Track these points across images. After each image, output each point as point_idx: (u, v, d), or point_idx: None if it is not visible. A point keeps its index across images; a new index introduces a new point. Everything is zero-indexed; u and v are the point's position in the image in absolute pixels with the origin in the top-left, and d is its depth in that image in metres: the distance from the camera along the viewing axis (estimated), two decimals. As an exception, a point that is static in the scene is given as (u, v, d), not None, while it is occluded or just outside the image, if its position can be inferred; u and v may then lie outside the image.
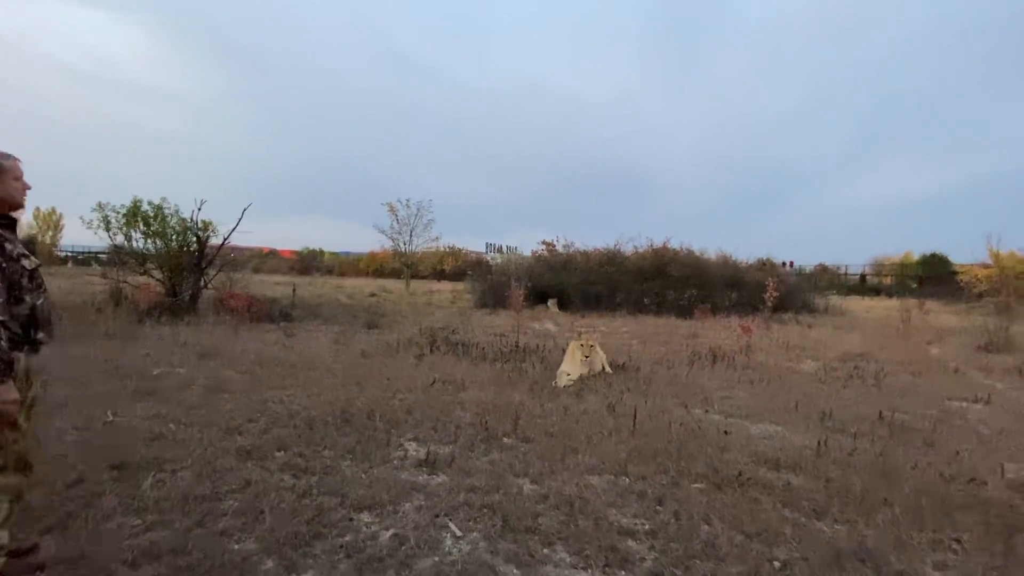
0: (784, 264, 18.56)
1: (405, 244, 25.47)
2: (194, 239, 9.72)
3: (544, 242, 17.72)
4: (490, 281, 14.15)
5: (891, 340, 9.52)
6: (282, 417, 3.49)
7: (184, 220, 9.65)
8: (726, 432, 3.24)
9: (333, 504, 2.25)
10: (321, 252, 49.56)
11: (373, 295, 16.82)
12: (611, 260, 14.20)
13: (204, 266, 9.74)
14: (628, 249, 15.92)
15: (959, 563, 1.95)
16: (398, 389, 4.35)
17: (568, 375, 5.09)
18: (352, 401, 3.90)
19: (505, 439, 3.23)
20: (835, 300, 17.81)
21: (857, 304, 19.07)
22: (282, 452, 2.87)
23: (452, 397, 4.18)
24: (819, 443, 3.11)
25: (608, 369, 5.64)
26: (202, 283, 9.70)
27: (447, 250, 48.02)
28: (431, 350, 6.34)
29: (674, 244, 15.81)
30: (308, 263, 41.05)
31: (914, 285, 34.75)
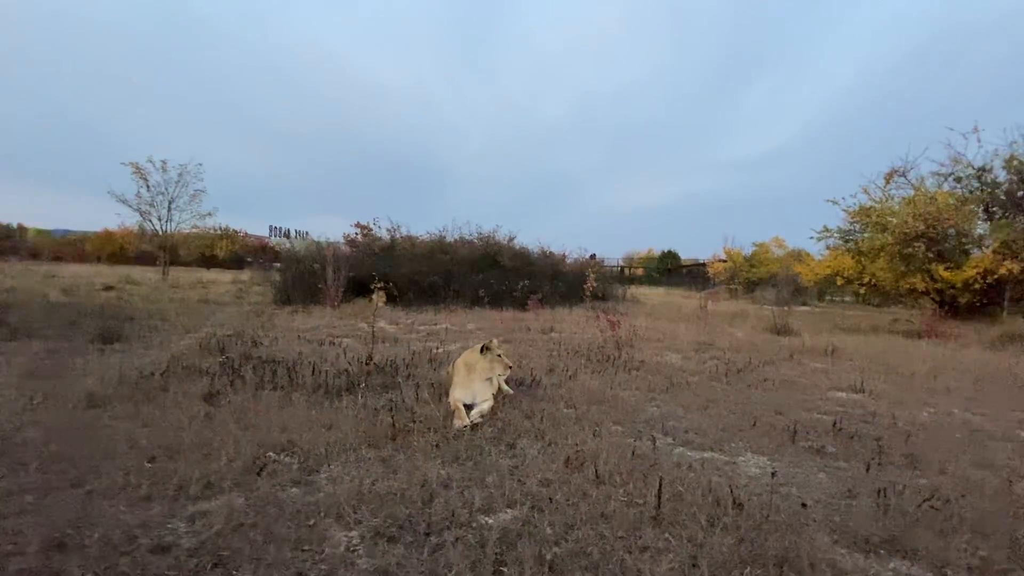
0: (591, 256, 19.93)
1: (161, 220, 19.49)
2: None
3: (358, 224, 15.30)
4: (295, 270, 11.24)
5: (699, 325, 10.48)
6: None
7: None
8: (804, 505, 2.17)
9: None
10: (21, 229, 36.45)
11: (110, 288, 11.94)
12: (443, 248, 12.77)
13: None
14: (454, 236, 14.79)
15: None
16: (183, 488, 2.14)
17: (468, 404, 3.53)
18: (65, 553, 1.66)
19: (469, 598, 1.57)
20: (630, 290, 19.90)
21: (638, 293, 21.55)
22: None
23: (304, 493, 2.20)
24: (879, 492, 2.30)
25: (506, 387, 4.25)
26: None
27: (219, 232, 40.12)
28: (230, 380, 3.96)
29: (500, 235, 15.36)
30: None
31: (657, 275, 42.77)
